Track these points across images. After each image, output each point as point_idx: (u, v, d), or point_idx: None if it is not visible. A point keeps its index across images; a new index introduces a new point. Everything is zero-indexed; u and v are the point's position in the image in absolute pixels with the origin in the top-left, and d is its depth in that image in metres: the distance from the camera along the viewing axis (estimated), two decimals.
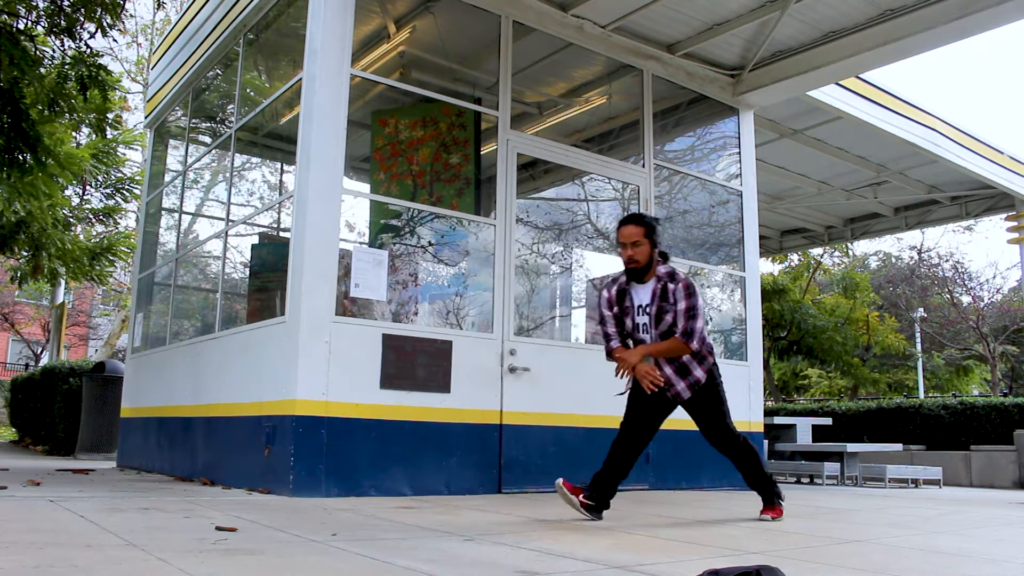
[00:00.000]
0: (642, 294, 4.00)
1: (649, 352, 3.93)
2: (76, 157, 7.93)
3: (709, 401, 3.98)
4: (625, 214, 4.51)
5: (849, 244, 19.35)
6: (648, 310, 3.96)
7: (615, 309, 4.05)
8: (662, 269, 3.98)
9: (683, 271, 4.14)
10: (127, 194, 10.14)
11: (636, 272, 3.97)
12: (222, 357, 5.77)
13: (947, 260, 25.35)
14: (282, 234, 6.61)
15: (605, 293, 4.11)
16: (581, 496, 3.83)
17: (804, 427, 9.06)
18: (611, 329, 4.05)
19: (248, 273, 6.87)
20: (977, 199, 10.96)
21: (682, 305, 3.88)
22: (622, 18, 6.27)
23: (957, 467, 9.69)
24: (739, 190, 7.29)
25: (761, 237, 9.20)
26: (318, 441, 4.59)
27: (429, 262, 6.49)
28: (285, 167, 7.75)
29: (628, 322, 4.03)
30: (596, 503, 3.84)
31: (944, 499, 6.48)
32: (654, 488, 6.02)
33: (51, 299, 18.28)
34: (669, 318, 3.91)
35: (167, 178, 8.42)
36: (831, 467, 8.08)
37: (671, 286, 3.93)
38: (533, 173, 7.25)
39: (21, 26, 5.66)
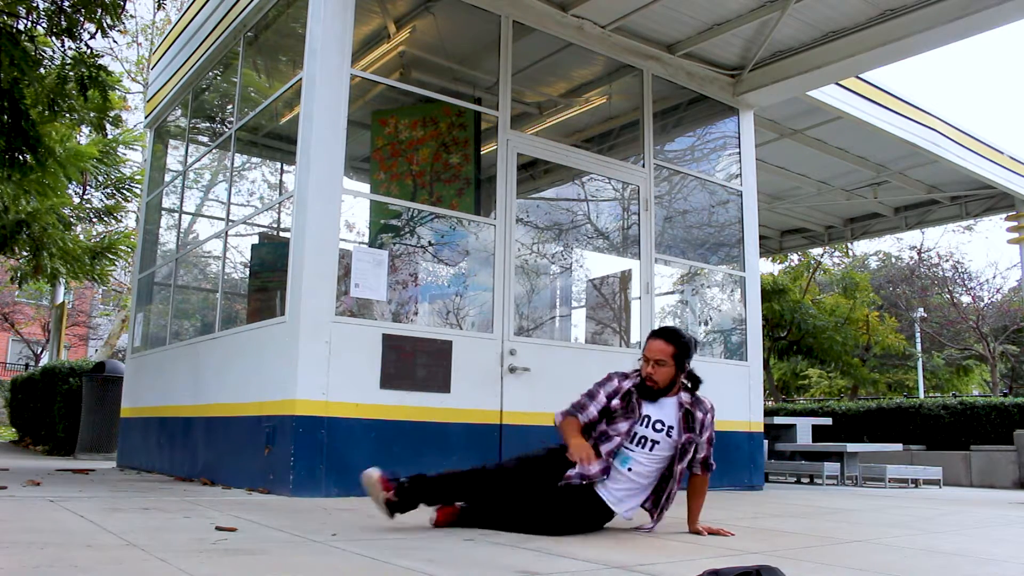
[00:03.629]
0: (657, 410, 3.43)
1: (695, 517, 3.48)
2: (83, 154, 7.95)
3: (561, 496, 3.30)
4: (660, 326, 3.72)
5: (849, 244, 19.34)
6: (668, 432, 3.39)
7: (612, 402, 3.45)
8: (685, 396, 3.47)
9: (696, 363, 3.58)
10: (127, 193, 10.14)
11: (650, 391, 3.44)
12: (222, 357, 5.77)
13: (947, 260, 25.37)
14: (282, 234, 6.61)
15: (617, 382, 3.52)
16: (391, 493, 3.18)
17: (804, 427, 9.06)
18: (592, 409, 3.44)
19: (248, 273, 6.87)
20: (977, 199, 10.96)
21: (707, 434, 3.46)
22: (622, 18, 6.27)
23: (957, 467, 9.69)
24: (739, 190, 7.29)
25: (761, 237, 9.21)
26: (318, 441, 4.59)
27: (429, 262, 6.49)
28: (285, 167, 7.75)
29: (622, 426, 3.40)
30: (401, 500, 3.19)
31: (944, 499, 6.48)
32: None
33: (51, 299, 18.28)
34: (693, 451, 3.43)
35: (167, 178, 8.42)
36: (831, 467, 8.08)
37: (699, 415, 3.44)
38: (533, 173, 7.25)
39: (21, 27, 5.67)
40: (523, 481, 3.36)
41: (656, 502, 3.45)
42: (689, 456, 3.43)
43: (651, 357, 3.43)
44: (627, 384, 3.50)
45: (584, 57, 6.75)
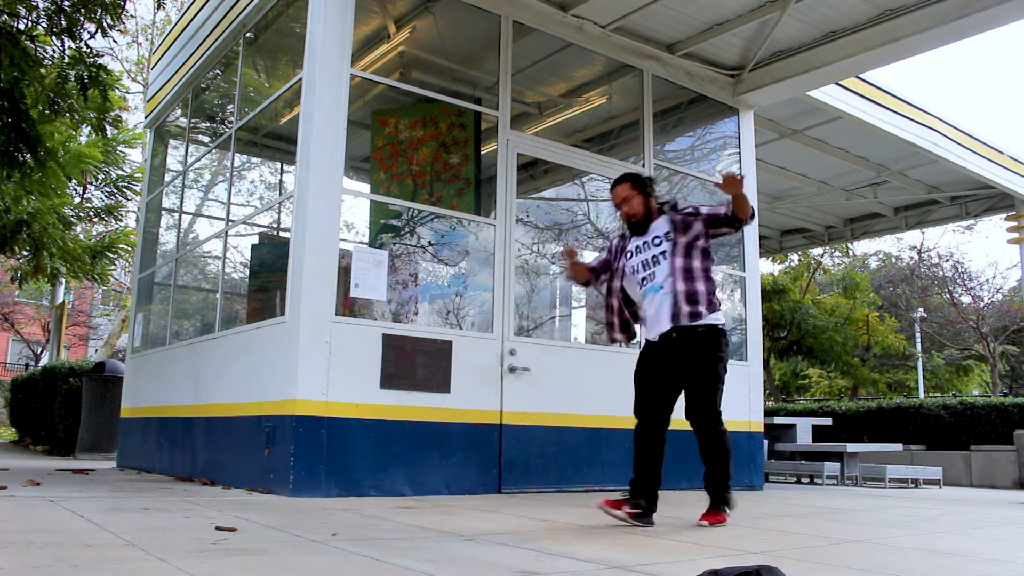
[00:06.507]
0: (649, 235, 3.87)
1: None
2: (86, 155, 7.95)
3: (704, 362, 3.71)
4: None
5: (849, 244, 19.35)
6: (667, 238, 3.79)
7: (616, 260, 3.97)
8: (670, 213, 3.90)
9: None
10: (128, 192, 10.13)
11: (638, 225, 3.90)
12: (222, 357, 5.77)
13: (947, 260, 25.37)
14: (282, 234, 6.61)
15: (608, 246, 4.15)
16: (625, 508, 3.61)
17: (804, 427, 9.06)
18: (594, 261, 4.09)
19: (248, 273, 6.87)
20: (977, 199, 10.96)
21: (704, 209, 3.83)
22: (622, 18, 6.27)
23: (957, 467, 9.69)
24: None
25: (761, 237, 9.21)
26: (318, 441, 4.59)
27: (429, 262, 6.49)
28: (285, 167, 7.75)
29: (619, 281, 3.95)
30: (643, 509, 3.64)
31: (944, 499, 6.48)
32: None
33: (51, 299, 18.28)
34: (698, 225, 3.78)
35: (167, 178, 8.42)
36: (831, 467, 8.08)
37: (688, 209, 3.87)
38: (533, 173, 7.25)
39: (21, 26, 5.66)
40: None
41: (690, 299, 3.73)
42: (694, 233, 3.77)
43: (617, 201, 3.94)
44: (615, 239, 4.08)
45: (584, 57, 6.75)
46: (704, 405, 3.72)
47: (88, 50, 5.78)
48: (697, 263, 3.78)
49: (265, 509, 3.78)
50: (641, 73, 6.75)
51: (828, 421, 9.75)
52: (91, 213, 9.99)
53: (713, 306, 3.75)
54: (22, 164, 5.93)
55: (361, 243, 6.51)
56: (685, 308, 3.70)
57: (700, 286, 3.75)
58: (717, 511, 3.72)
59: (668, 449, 3.83)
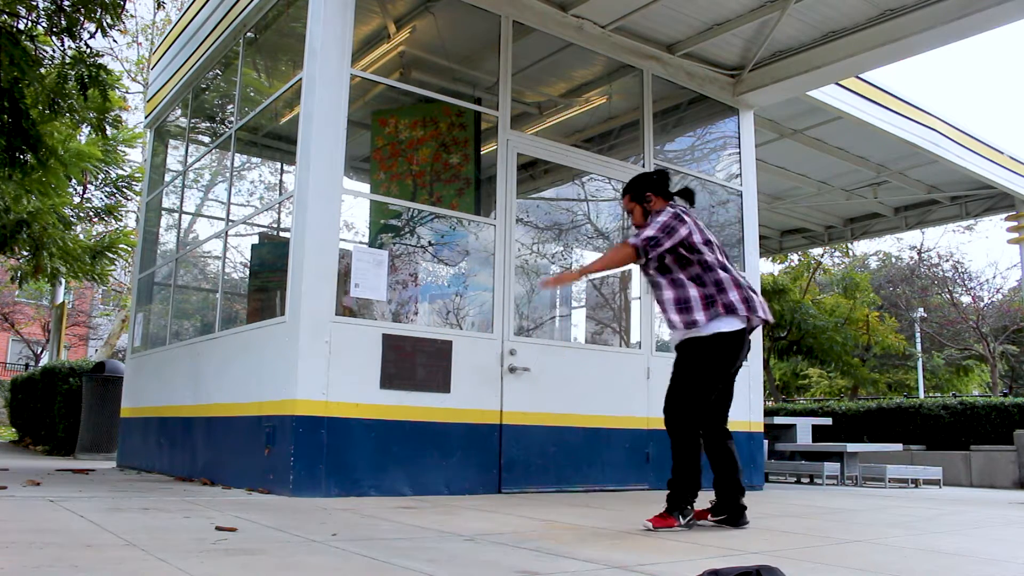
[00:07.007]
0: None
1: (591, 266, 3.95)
2: (86, 154, 7.96)
3: (683, 361, 3.71)
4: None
5: (849, 244, 19.35)
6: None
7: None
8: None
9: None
10: (128, 192, 10.13)
11: None
12: (222, 357, 5.77)
13: (947, 260, 25.37)
14: (282, 234, 6.61)
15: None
16: (708, 516, 3.74)
17: (804, 427, 9.06)
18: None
19: (248, 273, 6.87)
20: (977, 199, 10.96)
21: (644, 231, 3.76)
22: (622, 18, 6.27)
23: (957, 467, 9.69)
24: (739, 190, 7.29)
25: (761, 237, 9.20)
26: (318, 441, 4.59)
27: (429, 262, 6.49)
28: (285, 167, 7.75)
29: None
30: (727, 512, 3.74)
31: (944, 499, 6.48)
32: (654, 488, 6.01)
33: (51, 299, 18.29)
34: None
35: (167, 178, 8.42)
36: (831, 467, 8.08)
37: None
38: (533, 173, 7.25)
39: (21, 26, 5.67)
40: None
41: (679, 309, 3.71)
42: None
43: (626, 210, 3.97)
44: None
45: (584, 57, 6.75)
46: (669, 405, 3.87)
47: (88, 50, 5.78)
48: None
49: (265, 509, 3.78)
50: (641, 73, 6.75)
51: (828, 421, 9.75)
52: (91, 213, 9.99)
53: None
54: (23, 164, 5.94)
55: (361, 243, 6.51)
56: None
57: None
58: (667, 516, 3.57)
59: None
